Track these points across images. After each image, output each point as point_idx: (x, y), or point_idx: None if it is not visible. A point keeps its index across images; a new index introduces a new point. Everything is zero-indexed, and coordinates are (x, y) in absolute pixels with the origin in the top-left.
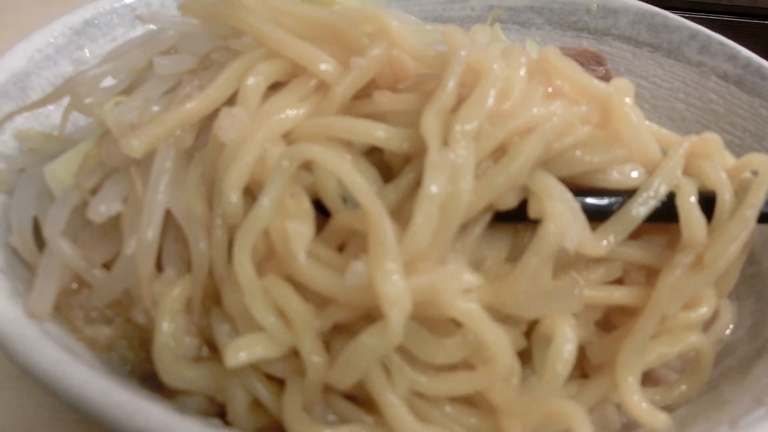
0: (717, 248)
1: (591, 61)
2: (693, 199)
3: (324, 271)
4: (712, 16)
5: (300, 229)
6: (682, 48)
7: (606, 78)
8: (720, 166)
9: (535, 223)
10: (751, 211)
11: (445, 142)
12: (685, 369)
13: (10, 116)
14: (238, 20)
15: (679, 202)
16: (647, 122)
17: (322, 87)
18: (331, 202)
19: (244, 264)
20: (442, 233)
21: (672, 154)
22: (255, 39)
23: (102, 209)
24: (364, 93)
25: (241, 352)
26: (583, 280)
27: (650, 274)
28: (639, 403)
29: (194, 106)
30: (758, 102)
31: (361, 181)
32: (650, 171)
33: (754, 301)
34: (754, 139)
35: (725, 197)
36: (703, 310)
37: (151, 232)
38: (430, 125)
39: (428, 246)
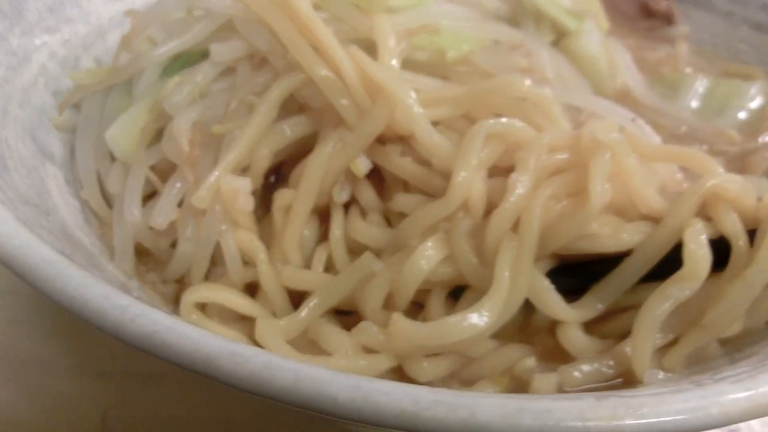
0: (719, 310)
1: None
2: (702, 238)
3: None
4: None
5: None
6: None
7: (669, 13)
8: (735, 212)
9: None
10: (760, 276)
11: None
12: None
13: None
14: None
15: (686, 238)
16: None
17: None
18: None
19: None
20: None
21: (678, 208)
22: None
23: (160, 221)
24: None
25: None
26: None
27: None
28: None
29: (235, 154)
30: None
31: None
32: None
33: None
34: None
35: (739, 244)
36: None
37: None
38: None
39: None
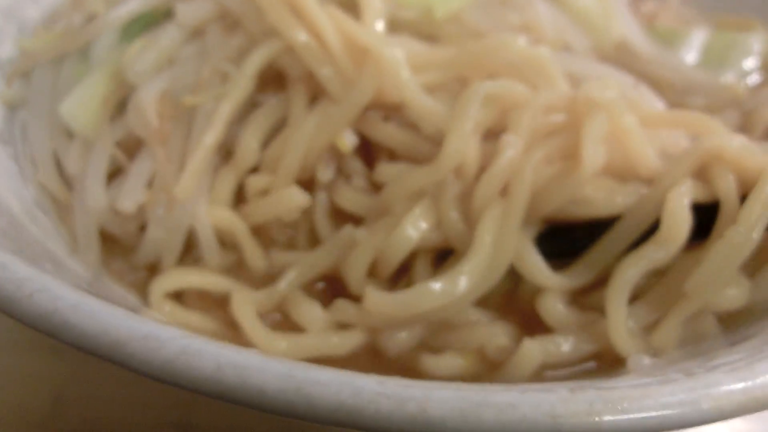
0: (700, 274)
1: None
2: (685, 199)
3: None
4: None
5: None
6: None
7: None
8: (732, 174)
9: None
10: (742, 236)
11: None
12: None
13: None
14: None
15: (669, 198)
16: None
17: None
18: None
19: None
20: None
21: (673, 168)
22: None
23: (127, 204)
24: None
25: None
26: None
27: None
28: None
29: (214, 135)
30: None
31: None
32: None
33: None
34: None
35: (728, 207)
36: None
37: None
38: None
39: None
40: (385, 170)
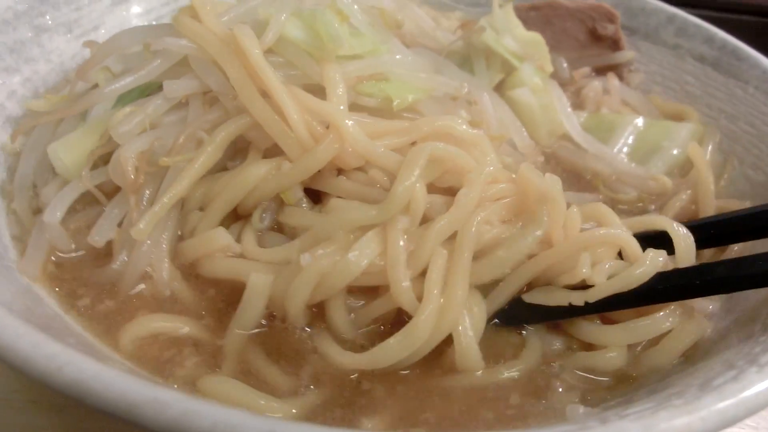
0: None
1: (603, 17)
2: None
3: None
4: (697, 11)
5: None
6: (659, 31)
7: (615, 37)
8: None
9: None
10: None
11: None
12: None
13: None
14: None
15: None
16: None
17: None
18: None
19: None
20: None
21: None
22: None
23: (98, 239)
24: None
25: None
26: None
27: None
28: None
29: (175, 192)
30: (733, 83)
31: None
32: None
33: None
34: (729, 120)
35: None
36: None
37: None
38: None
39: None
40: (335, 204)
